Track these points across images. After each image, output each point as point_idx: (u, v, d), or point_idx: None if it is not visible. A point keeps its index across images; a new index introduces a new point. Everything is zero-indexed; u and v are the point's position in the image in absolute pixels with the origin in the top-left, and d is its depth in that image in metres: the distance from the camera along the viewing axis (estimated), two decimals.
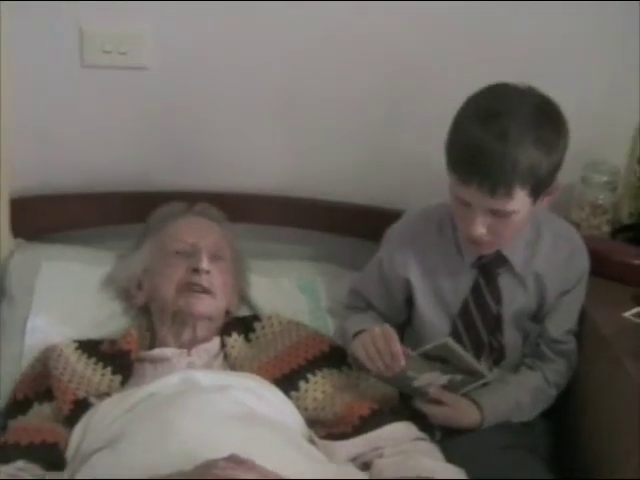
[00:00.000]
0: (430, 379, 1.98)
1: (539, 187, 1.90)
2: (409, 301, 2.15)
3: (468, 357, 1.98)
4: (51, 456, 1.84)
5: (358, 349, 2.02)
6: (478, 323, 2.07)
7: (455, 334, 2.07)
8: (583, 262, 2.11)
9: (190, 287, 2.09)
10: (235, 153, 2.42)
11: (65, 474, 1.82)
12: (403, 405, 2.06)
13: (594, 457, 2.03)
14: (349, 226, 2.44)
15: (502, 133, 1.84)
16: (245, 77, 2.35)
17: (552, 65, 2.30)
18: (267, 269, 2.37)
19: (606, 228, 2.38)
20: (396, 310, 2.17)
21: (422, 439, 1.96)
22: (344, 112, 2.40)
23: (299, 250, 2.48)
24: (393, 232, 2.16)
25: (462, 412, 2.01)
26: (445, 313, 2.09)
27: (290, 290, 2.36)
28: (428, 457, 1.88)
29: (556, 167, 1.92)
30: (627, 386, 1.87)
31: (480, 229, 1.91)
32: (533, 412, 2.08)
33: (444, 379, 1.99)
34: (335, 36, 2.31)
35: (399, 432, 1.94)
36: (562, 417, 2.13)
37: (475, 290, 2.07)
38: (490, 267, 2.06)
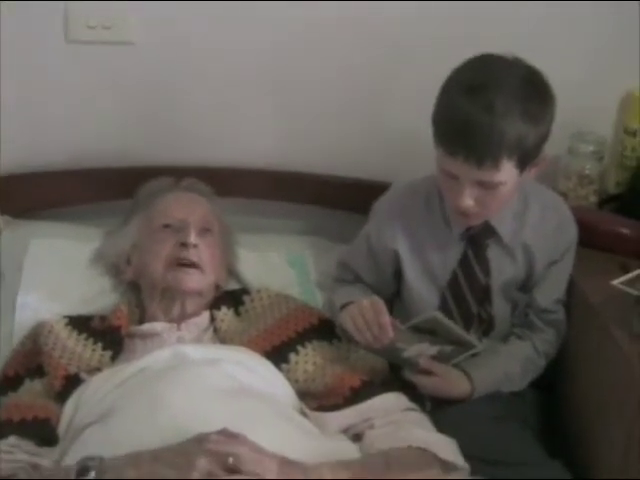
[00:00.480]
0: (419, 350, 1.99)
1: (526, 158, 1.90)
2: (398, 274, 2.15)
3: (457, 329, 1.98)
4: (43, 432, 1.84)
5: (346, 320, 2.02)
6: (467, 294, 2.08)
7: (444, 306, 2.08)
8: (571, 232, 2.12)
9: (178, 262, 2.08)
10: (223, 128, 2.42)
11: (57, 450, 1.82)
12: (393, 376, 2.06)
13: (582, 426, 2.05)
14: (337, 199, 2.44)
15: (489, 105, 1.83)
16: (232, 52, 2.35)
17: (537, 35, 2.30)
18: (256, 243, 2.37)
19: (593, 198, 2.39)
20: (385, 283, 2.18)
21: (412, 409, 1.96)
22: (331, 86, 2.40)
23: (287, 224, 2.49)
24: (381, 205, 2.16)
25: (452, 382, 2.02)
26: (434, 285, 2.10)
27: (279, 264, 2.36)
28: (419, 427, 1.89)
29: (543, 138, 1.92)
30: (615, 355, 1.88)
31: (467, 201, 1.91)
32: (523, 382, 2.09)
33: (433, 350, 1.99)
34: (322, 13, 2.31)
35: (389, 403, 1.95)
36: (552, 387, 2.15)
37: (463, 262, 2.07)
38: (479, 239, 2.06)
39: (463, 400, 2.01)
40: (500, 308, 2.10)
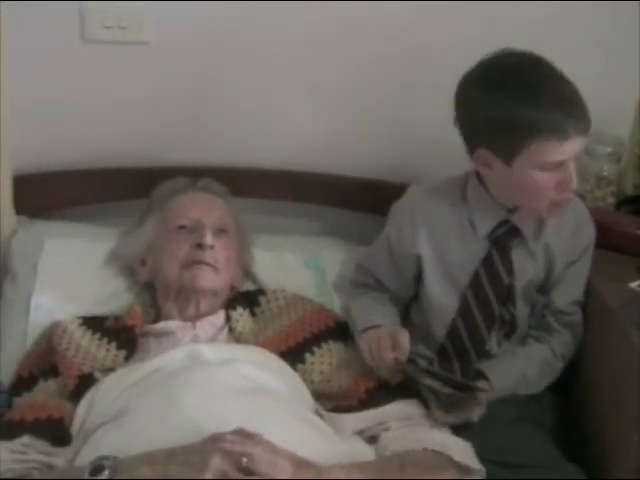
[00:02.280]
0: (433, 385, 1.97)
1: None
2: (418, 277, 2.14)
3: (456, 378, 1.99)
4: (57, 431, 1.85)
5: (363, 345, 2.01)
6: (489, 295, 2.06)
7: (465, 307, 2.07)
8: (589, 233, 2.11)
9: (194, 262, 2.08)
10: (238, 128, 2.41)
11: (71, 449, 1.82)
12: (409, 379, 2.05)
13: (599, 430, 2.03)
14: (354, 200, 2.43)
15: (557, 74, 1.90)
16: (247, 52, 2.34)
17: (555, 35, 2.29)
18: (272, 244, 2.36)
19: (611, 200, 2.37)
20: (404, 287, 2.16)
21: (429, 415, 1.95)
22: (348, 87, 2.40)
23: (304, 225, 2.48)
24: (401, 208, 2.14)
25: None
26: (454, 288, 2.08)
27: (295, 265, 2.35)
28: (435, 430, 1.88)
29: None
30: (633, 358, 1.86)
31: (576, 179, 1.92)
32: (540, 385, 2.08)
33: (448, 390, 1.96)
34: (340, 13, 2.30)
35: (406, 409, 1.94)
36: (569, 390, 2.13)
37: (487, 262, 2.06)
38: (504, 239, 2.05)
39: None
40: (520, 309, 2.09)
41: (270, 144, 2.43)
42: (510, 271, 2.06)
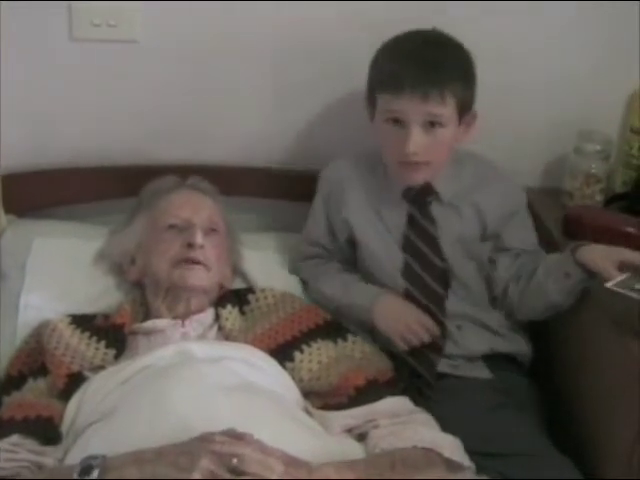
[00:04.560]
0: None
1: (464, 104, 2.00)
2: (352, 242, 2.21)
3: None
4: (46, 430, 1.84)
5: (396, 339, 2.10)
6: (424, 249, 2.12)
7: (407, 267, 2.13)
8: (520, 197, 2.19)
9: (184, 261, 2.07)
10: (226, 126, 2.41)
11: (60, 448, 1.82)
12: (398, 378, 2.05)
13: (588, 426, 2.03)
14: None
15: (429, 41, 2.00)
16: (237, 50, 2.34)
17: (545, 33, 2.29)
18: (259, 242, 2.37)
19: (599, 197, 2.38)
20: (345, 251, 2.24)
21: (418, 412, 1.95)
22: (335, 86, 2.40)
23: (291, 223, 2.46)
24: (327, 177, 2.24)
25: None
26: (395, 245, 2.15)
27: (283, 263, 2.35)
28: (424, 427, 1.88)
29: (474, 91, 2.04)
30: (626, 357, 1.87)
31: (414, 144, 1.98)
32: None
33: None
34: (320, 13, 2.31)
35: (395, 406, 1.94)
36: (558, 385, 2.14)
37: (411, 221, 2.14)
38: (420, 197, 2.13)
39: None
40: (462, 265, 2.14)
41: (258, 142, 2.44)
42: (433, 224, 2.12)
